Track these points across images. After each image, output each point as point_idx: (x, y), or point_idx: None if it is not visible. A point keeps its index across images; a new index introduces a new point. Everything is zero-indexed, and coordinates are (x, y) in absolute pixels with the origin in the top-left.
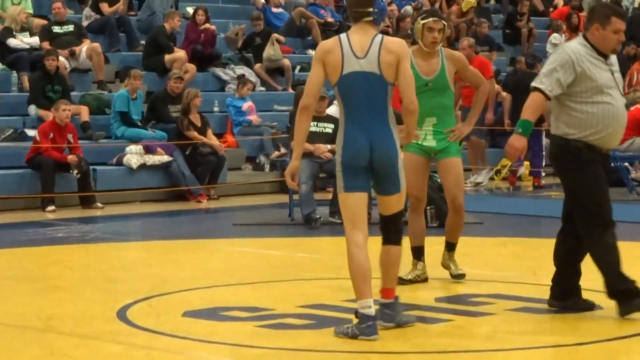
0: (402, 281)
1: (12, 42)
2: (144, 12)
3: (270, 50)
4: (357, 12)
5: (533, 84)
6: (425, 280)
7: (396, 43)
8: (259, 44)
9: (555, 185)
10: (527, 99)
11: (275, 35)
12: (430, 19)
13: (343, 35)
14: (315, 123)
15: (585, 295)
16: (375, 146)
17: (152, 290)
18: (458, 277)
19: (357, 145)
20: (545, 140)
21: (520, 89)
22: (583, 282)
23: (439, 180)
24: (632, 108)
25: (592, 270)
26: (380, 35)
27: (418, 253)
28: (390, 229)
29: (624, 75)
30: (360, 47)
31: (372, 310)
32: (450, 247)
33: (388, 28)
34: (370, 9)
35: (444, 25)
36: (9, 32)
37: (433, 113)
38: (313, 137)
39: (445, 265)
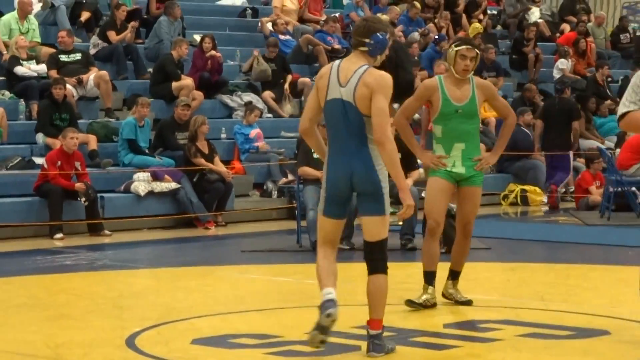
0: (413, 304)
1: (20, 70)
2: (151, 40)
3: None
4: (355, 40)
5: (622, 110)
6: (434, 305)
7: (373, 75)
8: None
9: (563, 210)
10: (627, 123)
11: (256, 52)
12: (464, 47)
13: (337, 62)
14: None
15: (591, 320)
16: (355, 172)
17: (160, 317)
18: (466, 303)
19: (338, 173)
20: (574, 163)
21: (551, 115)
22: (589, 307)
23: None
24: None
25: (598, 294)
26: (365, 67)
27: (430, 277)
28: (375, 257)
29: None
30: (344, 75)
31: (332, 295)
32: (456, 275)
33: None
34: (367, 40)
35: (477, 53)
36: (16, 61)
37: (462, 139)
38: (320, 164)
39: (449, 295)
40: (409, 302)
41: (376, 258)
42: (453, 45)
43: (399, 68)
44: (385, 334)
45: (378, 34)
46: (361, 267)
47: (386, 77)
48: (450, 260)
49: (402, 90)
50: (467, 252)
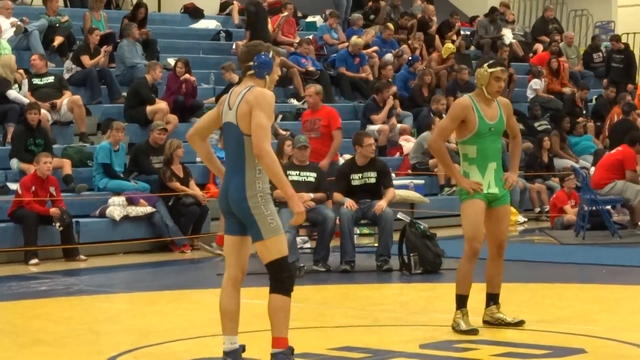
0: (470, 331)
1: (12, 94)
2: (117, 64)
3: None
4: (242, 67)
5: None
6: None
7: (253, 93)
8: None
9: (538, 229)
10: None
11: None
12: (499, 69)
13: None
14: (298, 172)
15: (567, 338)
16: (229, 195)
17: (136, 342)
18: (519, 323)
19: (221, 193)
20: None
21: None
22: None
23: (422, 227)
24: (613, 151)
25: (573, 313)
26: (249, 87)
27: (465, 301)
28: (270, 278)
29: (603, 119)
30: (233, 99)
31: (226, 346)
32: (497, 298)
33: (368, 76)
34: (250, 63)
35: (510, 73)
36: (8, 84)
37: (494, 157)
38: (295, 186)
39: (497, 319)
40: (466, 332)
41: (271, 279)
42: (486, 66)
43: (257, 25)
44: (360, 355)
45: (259, 55)
46: (337, 289)
47: (266, 95)
48: (487, 284)
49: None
50: (502, 272)
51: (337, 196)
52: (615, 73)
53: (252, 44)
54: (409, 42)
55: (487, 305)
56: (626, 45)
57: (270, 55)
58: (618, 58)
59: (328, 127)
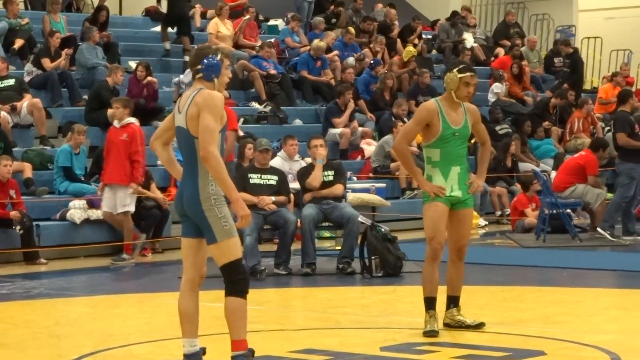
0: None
1: None
2: (78, 68)
3: None
4: (191, 71)
5: None
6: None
7: (202, 95)
8: None
9: (499, 233)
10: None
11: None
12: (468, 74)
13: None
14: (259, 175)
15: (527, 340)
16: (184, 197)
17: (97, 345)
18: (479, 326)
19: (176, 196)
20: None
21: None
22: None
23: (383, 230)
24: (575, 155)
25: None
26: (197, 90)
27: (433, 304)
28: (225, 281)
29: (564, 123)
30: (182, 103)
31: (186, 349)
32: (457, 301)
33: (331, 80)
34: (198, 66)
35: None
36: None
37: (458, 162)
38: (257, 189)
39: (457, 322)
40: (428, 334)
41: (226, 281)
42: (456, 71)
43: None
44: (321, 357)
45: (206, 58)
46: (299, 292)
47: (215, 97)
48: (447, 286)
49: (175, 16)
50: (463, 275)
51: (306, 197)
52: (563, 77)
53: (200, 47)
54: (371, 45)
55: (448, 307)
56: (575, 49)
57: (219, 58)
58: (566, 62)
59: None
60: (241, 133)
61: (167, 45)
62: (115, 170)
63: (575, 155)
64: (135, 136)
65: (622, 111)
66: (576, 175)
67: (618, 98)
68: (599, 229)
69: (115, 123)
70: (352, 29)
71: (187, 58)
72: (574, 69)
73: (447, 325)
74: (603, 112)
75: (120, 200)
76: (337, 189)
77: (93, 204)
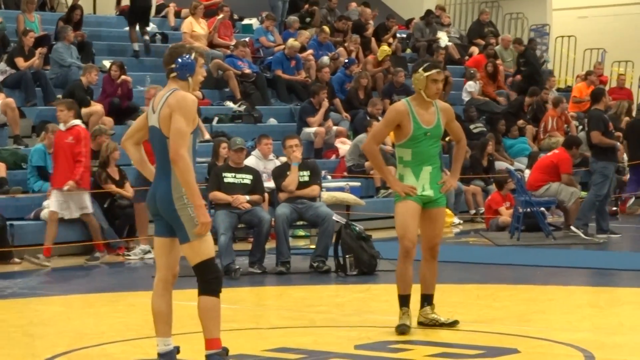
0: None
1: None
2: (53, 67)
3: None
4: (165, 70)
5: None
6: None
7: (175, 97)
8: None
9: (473, 231)
10: None
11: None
12: (434, 71)
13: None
14: (234, 174)
15: (501, 339)
16: (156, 197)
17: (71, 344)
18: (453, 324)
19: (149, 195)
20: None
21: (634, 132)
22: (499, 326)
23: (357, 228)
24: (549, 153)
25: (507, 314)
26: (171, 90)
27: (407, 301)
28: (198, 280)
29: (538, 122)
30: (156, 103)
31: (160, 348)
32: (431, 299)
33: (307, 79)
34: (172, 66)
35: (446, 76)
36: None
37: (430, 162)
38: (231, 188)
39: (432, 320)
40: (399, 328)
41: (199, 280)
42: (421, 70)
43: None
44: (295, 356)
45: (180, 57)
46: (273, 290)
47: (188, 98)
48: (421, 285)
49: (139, 9)
50: (436, 273)
51: (282, 196)
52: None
53: (174, 46)
54: (345, 44)
55: (422, 306)
56: (527, 47)
57: (193, 57)
58: (521, 61)
59: None
60: (207, 135)
61: (136, 46)
62: (64, 174)
63: (549, 153)
64: (80, 138)
65: (596, 109)
66: (550, 173)
67: (591, 97)
68: (572, 227)
69: (61, 126)
70: (326, 28)
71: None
72: (526, 63)
73: (421, 324)
74: (577, 110)
75: (76, 204)
76: (313, 190)
77: None
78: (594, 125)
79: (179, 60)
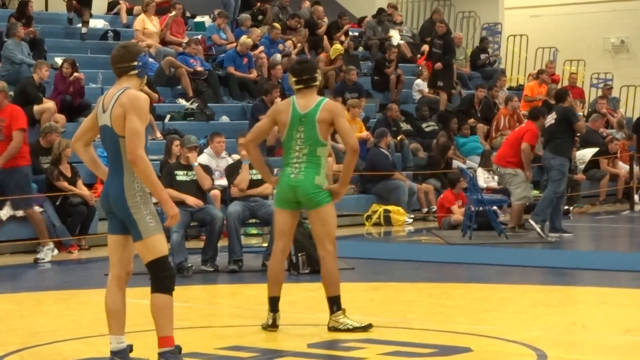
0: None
1: None
2: (4, 64)
3: None
4: (121, 67)
5: None
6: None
7: (127, 96)
8: None
9: (425, 229)
10: None
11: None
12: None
13: (105, 92)
14: (185, 172)
15: (453, 337)
16: (109, 196)
17: (24, 342)
18: (367, 328)
19: (102, 193)
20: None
21: None
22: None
23: (309, 226)
24: (516, 129)
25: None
26: (123, 89)
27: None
28: (151, 277)
29: (490, 120)
30: (107, 102)
31: (113, 346)
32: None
33: (257, 77)
34: (135, 63)
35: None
36: None
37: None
38: (183, 186)
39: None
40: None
41: (152, 278)
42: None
43: None
44: (248, 354)
45: (142, 56)
46: (226, 289)
47: (141, 97)
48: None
49: None
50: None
51: (234, 191)
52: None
53: (130, 44)
54: (293, 39)
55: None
56: (448, 29)
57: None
58: (438, 44)
59: (10, 128)
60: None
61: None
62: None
63: (516, 129)
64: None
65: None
66: (519, 147)
67: (556, 97)
68: (530, 221)
69: None
70: (277, 25)
71: None
72: (446, 51)
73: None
74: (528, 109)
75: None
76: (266, 189)
77: None
78: (574, 117)
79: (142, 58)
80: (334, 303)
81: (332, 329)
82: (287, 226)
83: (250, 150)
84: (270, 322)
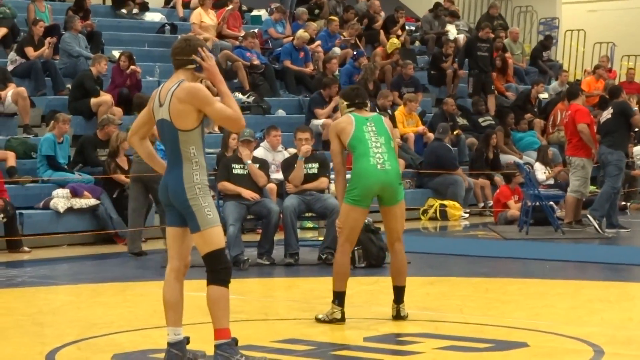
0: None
1: None
2: (61, 56)
3: None
4: (179, 60)
5: None
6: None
7: (185, 90)
8: None
9: (481, 225)
10: None
11: None
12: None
13: (162, 85)
14: (242, 165)
15: (510, 332)
16: (168, 187)
17: (80, 333)
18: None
19: (161, 185)
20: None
21: None
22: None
23: (366, 221)
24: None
25: (516, 307)
26: (177, 83)
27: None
28: (208, 269)
29: (547, 115)
30: (163, 95)
31: (170, 337)
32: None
33: (314, 71)
34: (193, 57)
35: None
36: None
37: None
38: (240, 179)
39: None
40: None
41: (208, 270)
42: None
43: None
44: (304, 347)
45: (201, 50)
46: (281, 282)
47: (199, 87)
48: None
49: None
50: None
51: (289, 187)
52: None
53: (192, 37)
54: (345, 34)
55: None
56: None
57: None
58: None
59: None
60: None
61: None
62: None
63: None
64: None
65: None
66: (577, 131)
67: (610, 93)
68: (588, 216)
69: None
70: (334, 18)
71: None
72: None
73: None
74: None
75: None
76: (322, 183)
77: (76, 193)
78: (632, 111)
79: (201, 53)
80: (404, 293)
81: (398, 317)
82: (359, 223)
83: None
84: (339, 315)
